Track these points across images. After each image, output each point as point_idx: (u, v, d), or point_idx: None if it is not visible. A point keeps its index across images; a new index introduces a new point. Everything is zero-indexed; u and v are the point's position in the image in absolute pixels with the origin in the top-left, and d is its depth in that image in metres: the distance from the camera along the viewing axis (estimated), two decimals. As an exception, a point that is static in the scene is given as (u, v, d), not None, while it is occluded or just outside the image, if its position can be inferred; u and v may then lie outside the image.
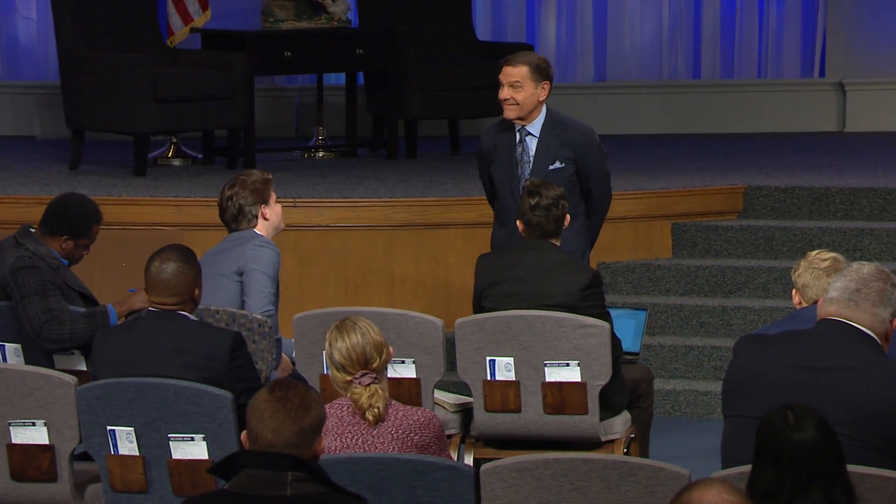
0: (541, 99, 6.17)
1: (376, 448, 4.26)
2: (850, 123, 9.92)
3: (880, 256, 7.57)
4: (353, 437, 4.30)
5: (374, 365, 4.35)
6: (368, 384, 4.32)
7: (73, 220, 5.63)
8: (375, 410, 4.28)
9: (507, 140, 6.24)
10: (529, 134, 6.22)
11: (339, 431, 4.31)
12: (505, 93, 6.17)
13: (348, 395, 4.34)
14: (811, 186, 7.95)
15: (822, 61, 10.07)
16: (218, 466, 3.32)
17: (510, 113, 6.18)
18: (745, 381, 4.07)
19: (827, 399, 3.87)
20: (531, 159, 6.19)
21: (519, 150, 6.21)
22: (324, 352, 4.48)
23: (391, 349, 4.44)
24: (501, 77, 6.19)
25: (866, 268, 4.09)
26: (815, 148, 9.27)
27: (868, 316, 4.03)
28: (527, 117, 6.19)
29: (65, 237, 5.61)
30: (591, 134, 6.26)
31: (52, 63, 9.47)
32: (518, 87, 6.14)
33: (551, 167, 6.15)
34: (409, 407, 4.37)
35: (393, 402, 4.35)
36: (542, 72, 6.17)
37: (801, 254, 5.07)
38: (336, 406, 4.35)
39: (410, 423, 4.30)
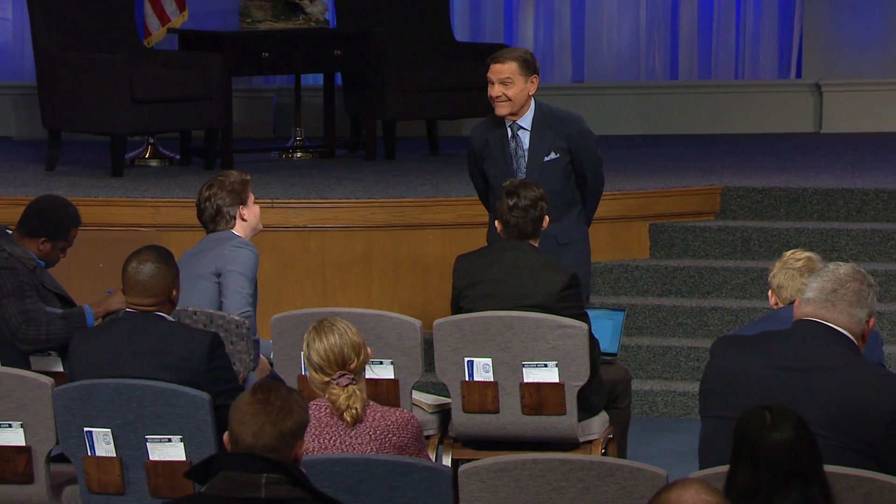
0: (531, 93, 6.20)
1: (354, 449, 4.26)
2: (827, 124, 9.95)
3: (857, 257, 7.59)
4: (331, 437, 4.30)
5: (352, 366, 4.35)
6: (346, 385, 4.31)
7: (52, 223, 5.62)
8: (353, 411, 4.28)
9: (498, 136, 6.26)
10: (521, 128, 6.24)
11: (317, 432, 4.31)
12: (496, 90, 6.18)
13: (326, 396, 4.34)
14: (788, 187, 7.97)
15: (798, 62, 10.10)
16: (194, 470, 3.31)
17: (502, 109, 6.20)
18: (723, 381, 4.07)
19: (804, 399, 3.88)
20: (525, 153, 6.22)
21: (512, 144, 6.24)
22: (302, 353, 4.48)
23: (369, 350, 4.44)
24: (490, 75, 6.21)
25: (843, 268, 4.10)
26: (791, 149, 9.30)
27: (845, 316, 4.04)
28: (518, 112, 6.21)
29: (42, 239, 5.59)
30: (582, 122, 6.34)
31: (29, 63, 9.44)
32: (509, 83, 6.16)
33: (546, 159, 6.21)
34: (386, 408, 4.36)
35: (371, 402, 4.35)
36: (529, 66, 6.20)
37: (778, 254, 5.08)
38: (314, 407, 4.34)
39: (388, 423, 4.30)
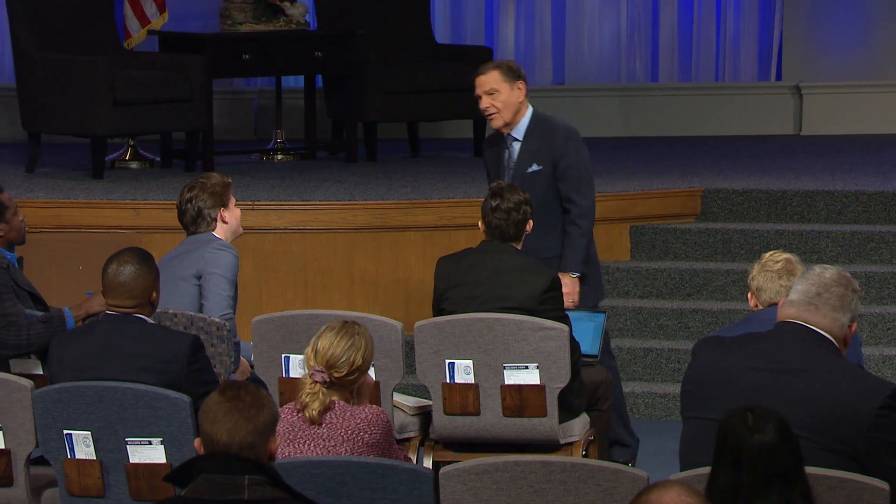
0: (520, 100, 6.14)
1: (328, 451, 4.26)
2: (807, 126, 9.98)
3: (837, 259, 7.61)
4: (305, 441, 4.30)
5: (336, 374, 4.35)
6: (317, 382, 4.31)
7: None
8: (311, 411, 4.28)
9: (497, 148, 6.25)
10: (515, 140, 6.20)
11: (290, 437, 4.31)
12: (484, 103, 6.14)
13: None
14: (768, 189, 7.99)
15: (778, 65, 10.13)
16: (174, 473, 3.30)
17: (496, 122, 6.15)
18: (704, 383, 4.08)
19: (785, 401, 3.89)
20: (513, 165, 6.19)
21: (506, 156, 6.21)
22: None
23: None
24: (477, 90, 6.16)
25: (828, 272, 4.11)
26: (772, 151, 9.32)
27: (828, 320, 4.05)
28: (512, 121, 6.16)
29: None
30: (572, 134, 6.19)
31: (8, 64, 9.41)
32: (495, 93, 6.12)
33: (529, 170, 6.13)
34: (354, 406, 4.36)
35: (338, 402, 4.34)
36: (513, 72, 6.16)
37: (758, 256, 5.09)
38: (286, 411, 4.34)
39: (358, 421, 4.30)
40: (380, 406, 5.11)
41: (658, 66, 10.17)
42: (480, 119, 9.13)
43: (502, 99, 6.12)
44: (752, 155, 9.15)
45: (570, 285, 6.01)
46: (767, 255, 4.98)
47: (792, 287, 4.15)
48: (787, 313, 4.09)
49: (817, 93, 9.95)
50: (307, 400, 4.31)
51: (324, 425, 4.32)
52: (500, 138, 6.22)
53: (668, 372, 7.32)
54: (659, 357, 7.34)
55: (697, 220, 7.95)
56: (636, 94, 10.09)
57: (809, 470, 3.60)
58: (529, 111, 6.18)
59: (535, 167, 6.13)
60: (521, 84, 6.15)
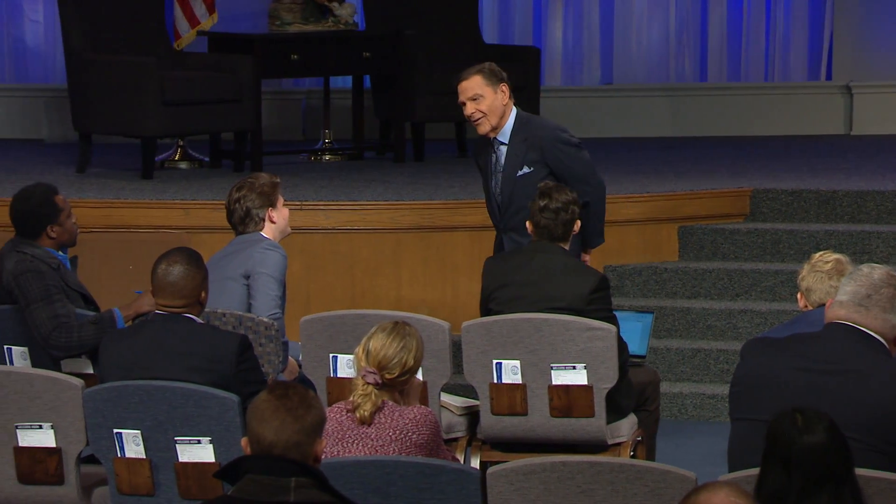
0: (504, 103, 6.10)
1: (376, 451, 4.27)
2: (857, 126, 9.91)
3: (888, 259, 7.56)
4: (353, 440, 4.31)
5: (388, 376, 4.36)
6: (369, 383, 4.33)
7: (39, 211, 5.52)
8: (362, 411, 4.30)
9: (485, 152, 6.22)
10: (501, 143, 6.16)
11: (339, 436, 4.32)
12: (469, 109, 6.10)
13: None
14: (818, 189, 7.94)
15: (829, 64, 10.07)
16: (223, 471, 3.31)
17: (483, 128, 6.11)
18: (753, 384, 4.06)
19: (835, 402, 3.87)
20: (502, 168, 6.16)
21: (493, 159, 6.18)
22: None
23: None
24: (460, 97, 6.12)
25: (877, 272, 4.08)
26: (822, 151, 9.27)
27: (878, 322, 4.02)
28: (498, 125, 6.11)
29: (48, 227, 5.50)
30: (556, 132, 6.14)
31: (60, 66, 9.48)
32: (479, 97, 6.08)
33: (519, 173, 6.08)
34: (403, 406, 4.37)
35: (387, 402, 4.35)
36: (495, 75, 6.12)
37: (808, 257, 5.06)
38: (335, 410, 4.36)
39: (407, 421, 4.31)
40: (427, 406, 5.12)
41: (707, 65, 10.13)
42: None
43: (487, 104, 6.08)
44: (802, 155, 9.10)
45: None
46: (817, 255, 4.95)
47: (839, 287, 4.12)
48: (836, 314, 4.07)
49: (868, 92, 9.89)
50: (359, 401, 4.32)
51: (373, 425, 4.33)
52: (487, 143, 6.18)
53: (716, 373, 7.29)
54: (707, 358, 7.31)
55: (746, 221, 7.92)
56: (685, 93, 10.05)
57: (859, 471, 3.58)
58: (513, 113, 6.13)
59: (525, 170, 6.08)
60: (503, 87, 6.10)
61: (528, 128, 6.12)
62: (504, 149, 6.13)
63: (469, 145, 9.27)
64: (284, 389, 3.33)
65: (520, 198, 5.99)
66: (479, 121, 6.09)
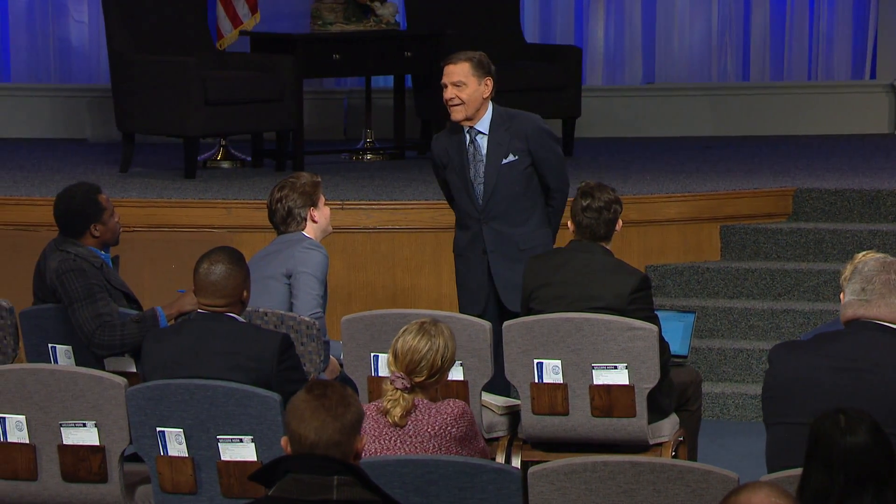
0: (485, 96, 6.10)
1: (415, 448, 4.27)
2: (902, 125, 9.85)
3: (932, 259, 7.50)
4: (391, 438, 4.31)
5: (417, 378, 4.36)
6: (399, 388, 4.34)
7: (84, 210, 5.55)
8: (393, 416, 4.30)
9: (457, 143, 6.20)
10: (479, 133, 6.16)
11: (376, 434, 4.32)
12: (449, 93, 6.10)
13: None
14: (862, 189, 7.90)
15: (873, 63, 10.00)
16: (259, 473, 3.32)
17: (457, 115, 6.11)
18: (786, 388, 4.05)
19: (868, 398, 3.86)
20: (484, 157, 6.15)
21: (470, 150, 6.16)
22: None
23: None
24: (444, 78, 6.11)
25: (868, 265, 4.10)
26: (865, 150, 9.21)
27: (884, 310, 4.03)
28: (473, 116, 6.11)
29: (91, 227, 5.53)
30: (539, 121, 6.21)
31: (103, 66, 9.54)
32: (462, 85, 6.07)
33: (504, 161, 6.11)
34: (438, 402, 4.37)
35: (420, 401, 4.35)
36: (483, 67, 6.11)
37: (851, 256, 5.04)
38: (371, 408, 4.36)
39: (444, 417, 4.31)
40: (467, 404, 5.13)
41: (749, 64, 10.09)
42: (570, 118, 9.13)
43: (468, 92, 6.08)
44: (846, 154, 9.05)
45: None
46: (860, 255, 4.93)
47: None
48: (845, 315, 4.09)
49: (912, 91, 9.82)
50: (388, 406, 4.33)
51: (409, 424, 4.34)
52: (460, 131, 6.17)
53: (758, 373, 7.26)
54: (749, 358, 7.28)
55: (789, 220, 7.88)
56: (727, 93, 10.01)
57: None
58: (491, 107, 6.14)
59: (511, 157, 6.11)
60: (488, 80, 6.10)
61: (511, 119, 6.15)
62: (484, 139, 6.14)
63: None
64: (322, 388, 3.34)
65: (504, 185, 6.03)
66: (456, 107, 6.09)
